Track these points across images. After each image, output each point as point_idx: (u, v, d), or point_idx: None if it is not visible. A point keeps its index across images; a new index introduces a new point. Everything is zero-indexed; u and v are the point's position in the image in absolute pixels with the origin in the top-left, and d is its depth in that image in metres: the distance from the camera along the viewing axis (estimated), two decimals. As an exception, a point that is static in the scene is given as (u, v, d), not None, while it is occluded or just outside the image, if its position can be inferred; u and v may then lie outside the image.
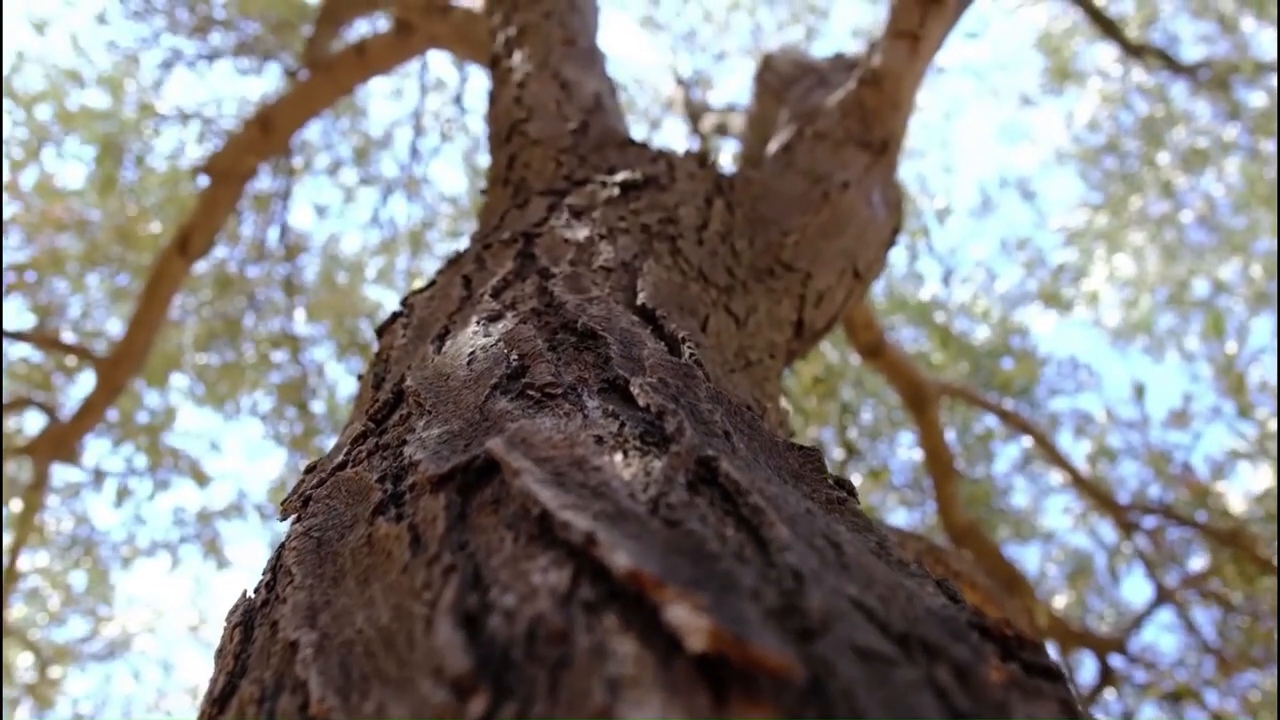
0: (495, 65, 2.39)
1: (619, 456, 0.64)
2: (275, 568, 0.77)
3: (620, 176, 1.62)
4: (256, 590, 0.77)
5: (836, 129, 2.11)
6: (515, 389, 0.81)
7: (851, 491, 0.85)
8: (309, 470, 1.00)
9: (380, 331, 1.30)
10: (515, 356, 0.88)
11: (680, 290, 1.36)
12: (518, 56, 2.29)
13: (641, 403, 0.69)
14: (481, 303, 1.16)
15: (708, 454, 0.62)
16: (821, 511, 0.67)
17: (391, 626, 0.53)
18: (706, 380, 0.84)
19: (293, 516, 0.85)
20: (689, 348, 1.02)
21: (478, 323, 1.06)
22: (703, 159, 1.85)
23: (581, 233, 1.38)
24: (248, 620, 0.73)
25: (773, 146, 2.40)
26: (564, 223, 1.43)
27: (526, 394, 0.79)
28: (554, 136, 1.90)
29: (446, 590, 0.51)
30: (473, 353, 0.94)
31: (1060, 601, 5.84)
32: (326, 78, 3.34)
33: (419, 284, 6.34)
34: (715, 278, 1.53)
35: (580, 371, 0.86)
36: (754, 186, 1.88)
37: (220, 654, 0.72)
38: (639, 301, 1.19)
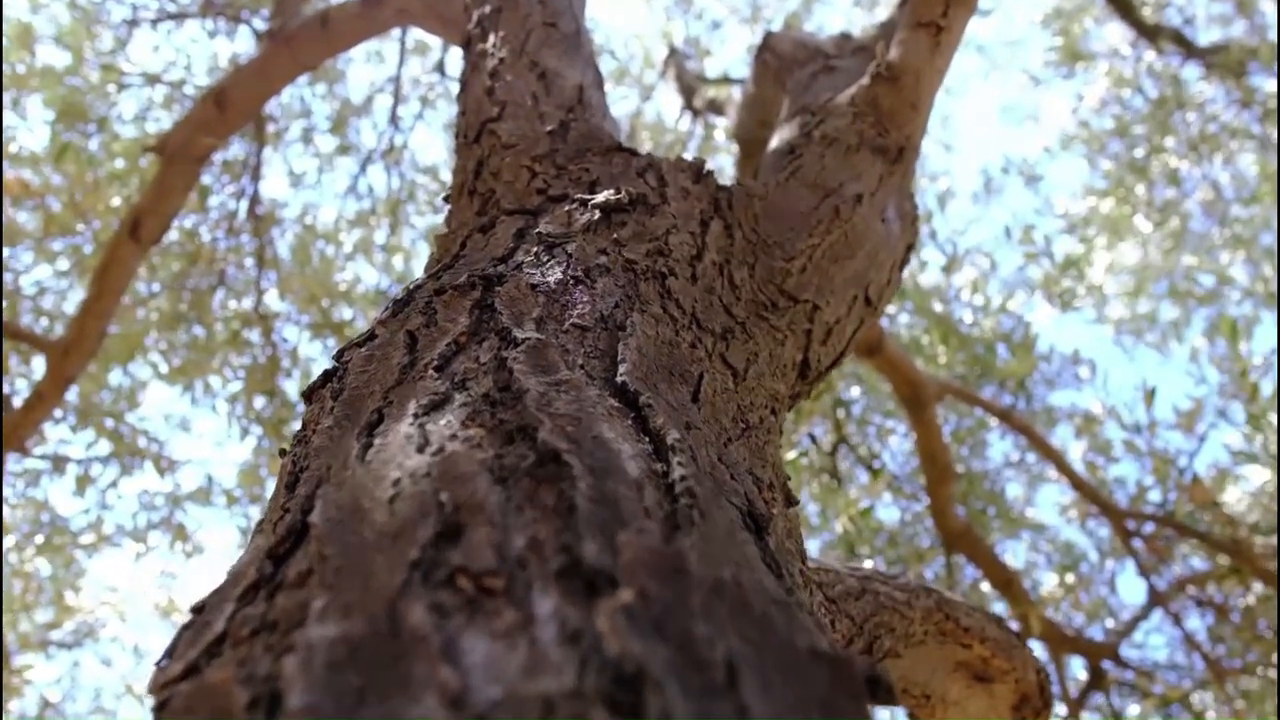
0: (469, 46, 2.14)
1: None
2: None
3: (602, 197, 1.39)
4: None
5: (848, 132, 1.88)
6: (443, 570, 0.59)
7: (890, 698, 0.65)
8: (196, 610, 0.80)
9: (308, 395, 1.08)
10: (449, 503, 0.66)
11: (670, 349, 1.14)
12: (493, 39, 2.04)
13: (614, 652, 0.48)
14: (425, 378, 0.94)
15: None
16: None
17: None
18: (703, 554, 0.62)
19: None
20: (679, 462, 0.81)
21: (414, 420, 0.84)
22: (698, 171, 1.62)
23: (553, 275, 1.16)
24: None
25: (775, 145, 2.17)
26: (533, 259, 1.21)
27: (456, 585, 0.58)
28: (529, 140, 1.67)
29: None
30: (399, 480, 0.73)
31: (1051, 593, 5.70)
32: (286, 51, 3.06)
33: (393, 276, 6.07)
34: (711, 322, 1.31)
35: (534, 529, 0.65)
36: (755, 203, 1.65)
37: None
38: (619, 377, 0.98)
